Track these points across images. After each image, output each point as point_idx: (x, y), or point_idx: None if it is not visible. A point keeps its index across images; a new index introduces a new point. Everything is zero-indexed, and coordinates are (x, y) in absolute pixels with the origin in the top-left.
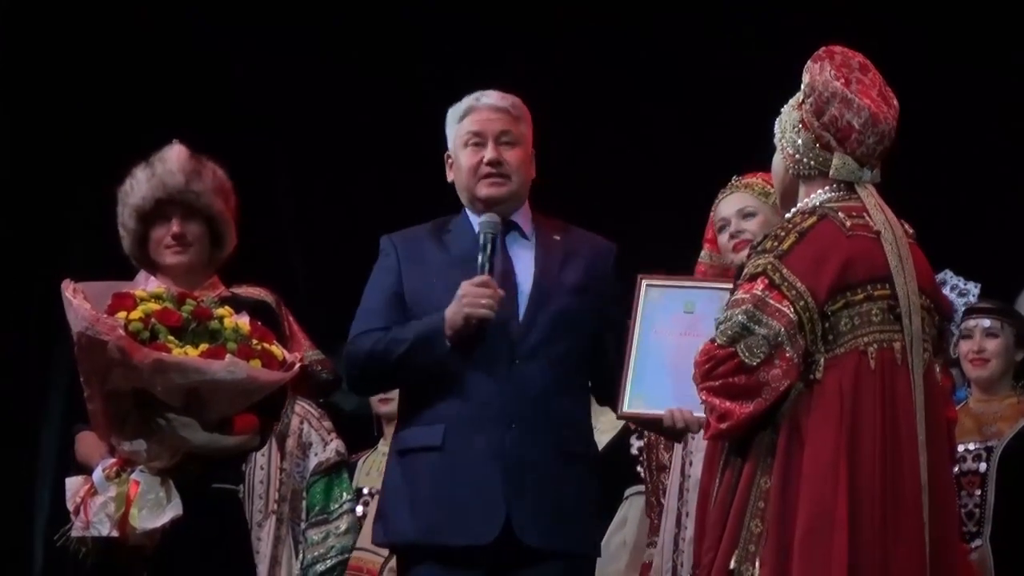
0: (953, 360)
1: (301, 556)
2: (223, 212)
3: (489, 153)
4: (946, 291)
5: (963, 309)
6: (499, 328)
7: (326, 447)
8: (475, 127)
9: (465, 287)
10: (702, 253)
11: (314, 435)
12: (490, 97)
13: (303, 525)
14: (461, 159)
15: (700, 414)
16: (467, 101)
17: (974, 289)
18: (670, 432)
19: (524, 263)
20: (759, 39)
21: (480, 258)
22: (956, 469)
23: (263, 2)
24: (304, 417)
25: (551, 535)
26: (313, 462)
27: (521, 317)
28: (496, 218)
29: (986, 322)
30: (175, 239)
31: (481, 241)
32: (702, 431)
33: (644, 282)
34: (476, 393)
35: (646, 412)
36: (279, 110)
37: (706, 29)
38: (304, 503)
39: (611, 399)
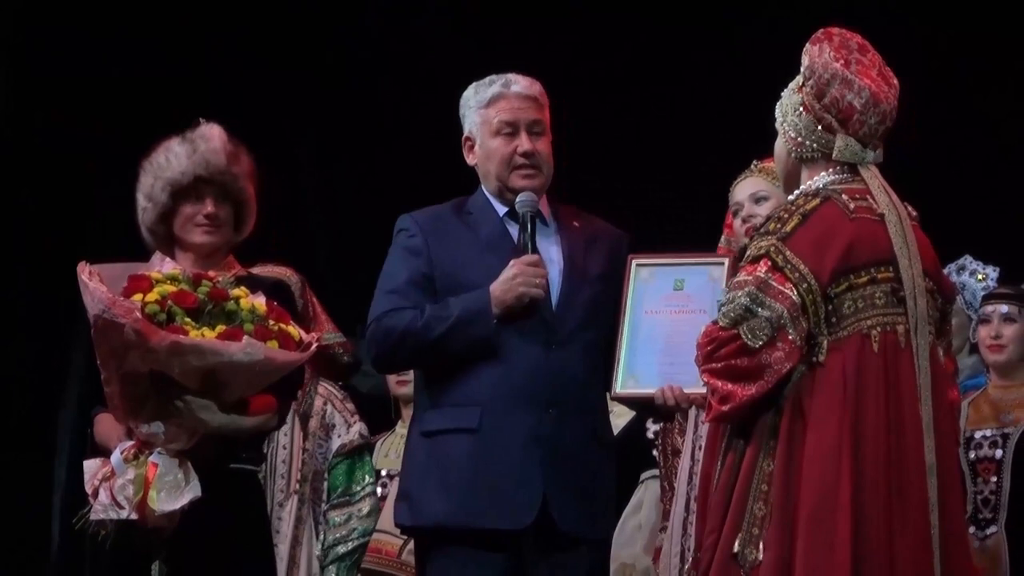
0: (973, 345)
1: (322, 537)
2: (251, 198)
3: (524, 144)
4: (965, 276)
5: (982, 294)
6: (533, 312)
7: (349, 429)
8: (507, 116)
9: (519, 266)
10: (721, 238)
11: (337, 417)
12: (519, 84)
13: (324, 506)
14: (491, 146)
15: (691, 390)
16: (494, 87)
17: (993, 273)
18: (662, 410)
19: (550, 249)
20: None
21: (523, 237)
22: (972, 455)
23: None
24: (327, 398)
25: (584, 520)
26: (336, 443)
27: (555, 302)
28: (533, 196)
29: (1004, 308)
30: (208, 219)
31: (522, 221)
32: (703, 412)
33: (634, 262)
34: (513, 376)
35: (638, 392)
36: (302, 92)
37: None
38: (326, 484)
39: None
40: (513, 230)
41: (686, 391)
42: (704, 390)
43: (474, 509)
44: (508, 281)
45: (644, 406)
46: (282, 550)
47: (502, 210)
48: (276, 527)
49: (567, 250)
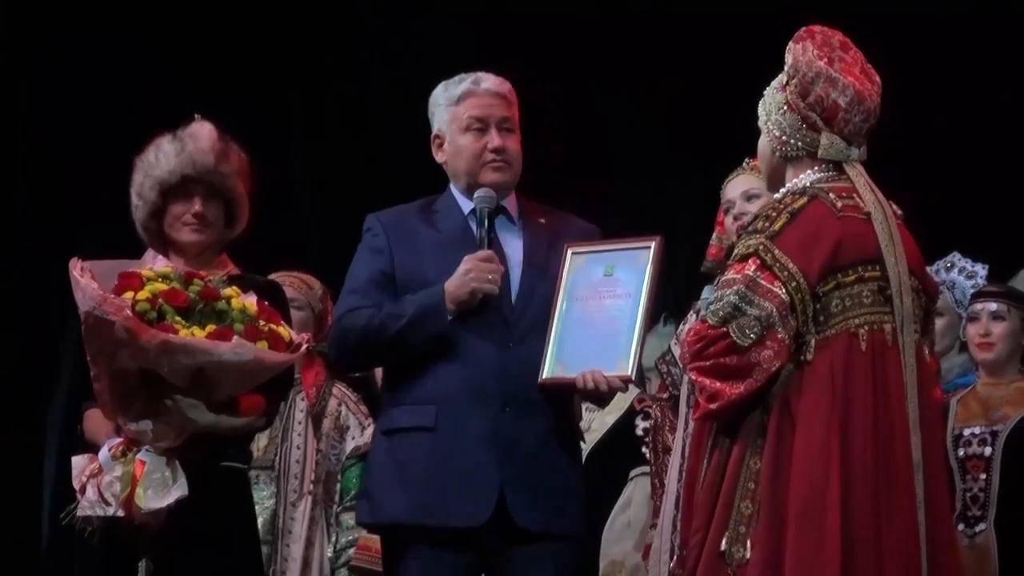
0: (962, 343)
1: (334, 538)
2: (243, 195)
3: (494, 140)
4: (954, 273)
5: (971, 292)
6: (492, 310)
7: (363, 431)
8: (477, 112)
9: (472, 261)
10: (713, 236)
11: (352, 419)
12: (489, 82)
13: (336, 508)
14: (460, 143)
15: (610, 373)
16: (464, 84)
17: (982, 271)
18: (584, 395)
19: (512, 247)
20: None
21: (479, 233)
22: (961, 453)
23: None
24: (342, 400)
25: (544, 517)
26: (350, 445)
27: (514, 300)
28: (492, 193)
29: (992, 306)
30: (196, 218)
31: (479, 216)
32: (694, 409)
33: (570, 251)
34: (469, 374)
35: (563, 377)
36: (297, 91)
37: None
38: (338, 486)
39: None
40: (476, 227)
41: (605, 374)
42: (623, 373)
43: (431, 507)
44: (461, 277)
45: (567, 391)
46: (295, 551)
47: (467, 207)
48: (288, 527)
49: (528, 247)
